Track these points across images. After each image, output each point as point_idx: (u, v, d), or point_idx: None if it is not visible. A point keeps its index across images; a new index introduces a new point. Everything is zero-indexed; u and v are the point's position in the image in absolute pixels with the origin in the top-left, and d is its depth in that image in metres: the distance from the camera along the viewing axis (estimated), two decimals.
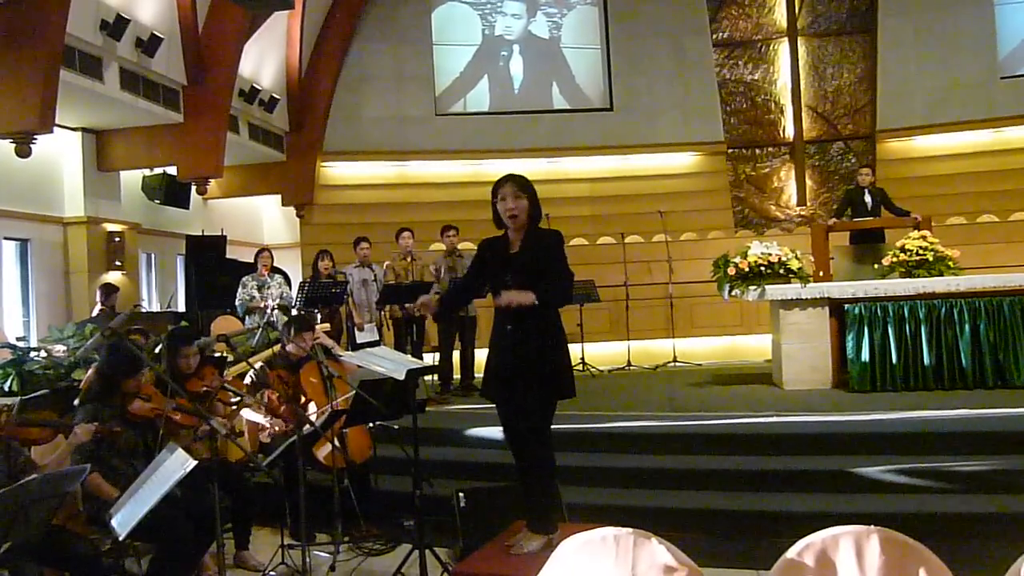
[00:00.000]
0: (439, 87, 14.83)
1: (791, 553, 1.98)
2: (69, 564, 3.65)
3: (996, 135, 13.61)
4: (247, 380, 5.57)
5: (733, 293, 7.68)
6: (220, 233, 12.74)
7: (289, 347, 5.81)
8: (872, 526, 1.93)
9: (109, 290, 9.54)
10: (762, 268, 7.51)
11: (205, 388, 4.84)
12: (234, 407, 5.04)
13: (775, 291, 7.50)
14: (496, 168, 13.14)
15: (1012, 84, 13.61)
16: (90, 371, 5.25)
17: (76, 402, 4.81)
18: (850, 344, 7.31)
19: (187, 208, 12.20)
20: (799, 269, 7.53)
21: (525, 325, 3.96)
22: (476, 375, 8.41)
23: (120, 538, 3.50)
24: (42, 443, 4.25)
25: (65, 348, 6.65)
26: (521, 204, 4.05)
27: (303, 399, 5.58)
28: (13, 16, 7.95)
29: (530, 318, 3.95)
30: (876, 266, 8.01)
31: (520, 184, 4.10)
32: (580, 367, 9.84)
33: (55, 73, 8.22)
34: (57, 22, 8.07)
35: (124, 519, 3.47)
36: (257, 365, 5.66)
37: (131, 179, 11.57)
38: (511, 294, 3.92)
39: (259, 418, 5.35)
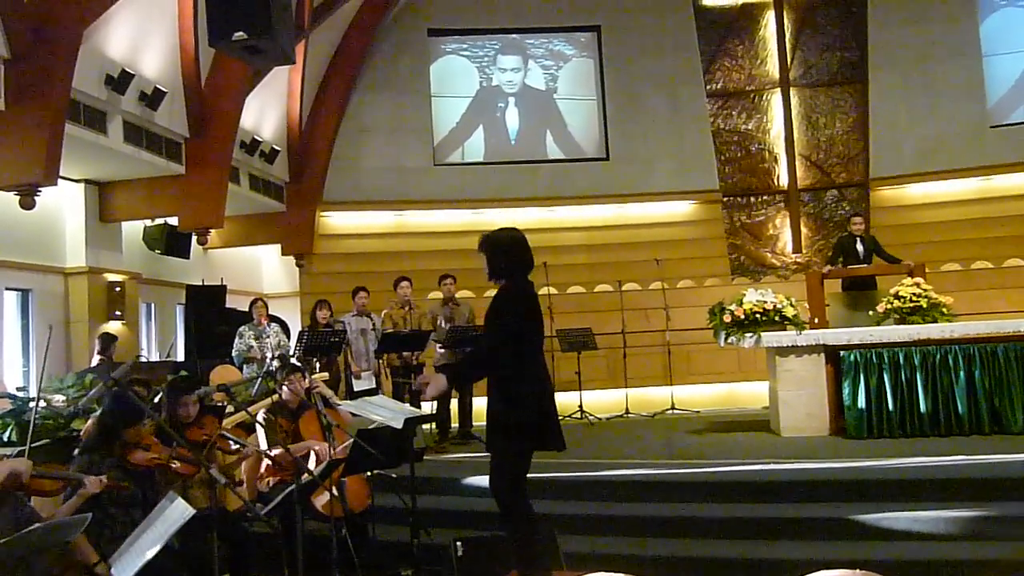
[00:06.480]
0: (437, 137, 15.05)
1: None
2: None
3: (987, 183, 13.79)
4: (259, 431, 5.62)
5: (729, 340, 7.72)
6: (220, 283, 12.81)
7: (284, 391, 5.85)
8: (858, 570, 1.97)
9: (108, 340, 9.54)
10: (757, 315, 7.57)
11: (204, 437, 4.87)
12: (234, 453, 5.06)
13: (771, 338, 7.54)
14: (494, 217, 13.34)
15: (1002, 132, 13.83)
16: (90, 420, 5.27)
17: (76, 452, 4.83)
18: (846, 391, 7.34)
19: (187, 258, 12.28)
20: (794, 316, 7.58)
21: (495, 377, 4.17)
22: (474, 423, 8.42)
23: None
24: (53, 495, 4.24)
25: (64, 398, 6.65)
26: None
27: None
28: (21, 72, 8.10)
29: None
30: (871, 312, 8.06)
31: (480, 241, 4.30)
32: (578, 415, 9.85)
33: (60, 127, 8.35)
34: (63, 77, 8.21)
35: (123, 568, 3.48)
36: (261, 416, 5.68)
37: (132, 229, 11.67)
38: (423, 384, 4.28)
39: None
